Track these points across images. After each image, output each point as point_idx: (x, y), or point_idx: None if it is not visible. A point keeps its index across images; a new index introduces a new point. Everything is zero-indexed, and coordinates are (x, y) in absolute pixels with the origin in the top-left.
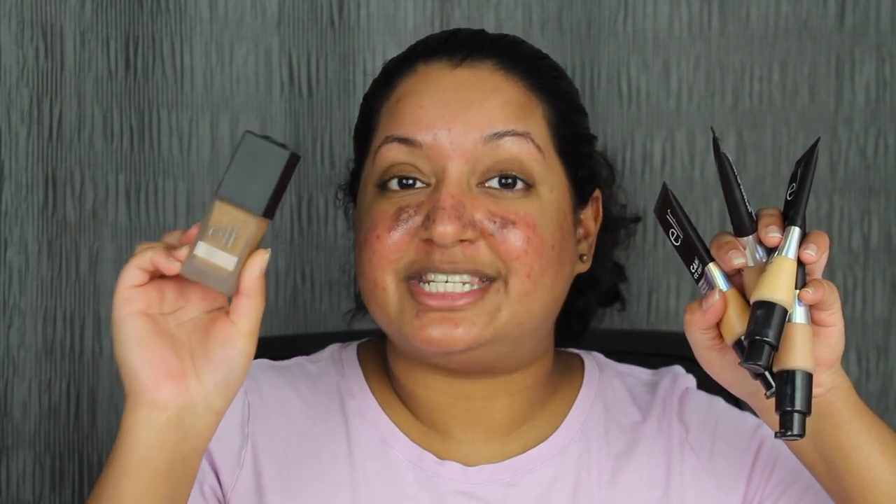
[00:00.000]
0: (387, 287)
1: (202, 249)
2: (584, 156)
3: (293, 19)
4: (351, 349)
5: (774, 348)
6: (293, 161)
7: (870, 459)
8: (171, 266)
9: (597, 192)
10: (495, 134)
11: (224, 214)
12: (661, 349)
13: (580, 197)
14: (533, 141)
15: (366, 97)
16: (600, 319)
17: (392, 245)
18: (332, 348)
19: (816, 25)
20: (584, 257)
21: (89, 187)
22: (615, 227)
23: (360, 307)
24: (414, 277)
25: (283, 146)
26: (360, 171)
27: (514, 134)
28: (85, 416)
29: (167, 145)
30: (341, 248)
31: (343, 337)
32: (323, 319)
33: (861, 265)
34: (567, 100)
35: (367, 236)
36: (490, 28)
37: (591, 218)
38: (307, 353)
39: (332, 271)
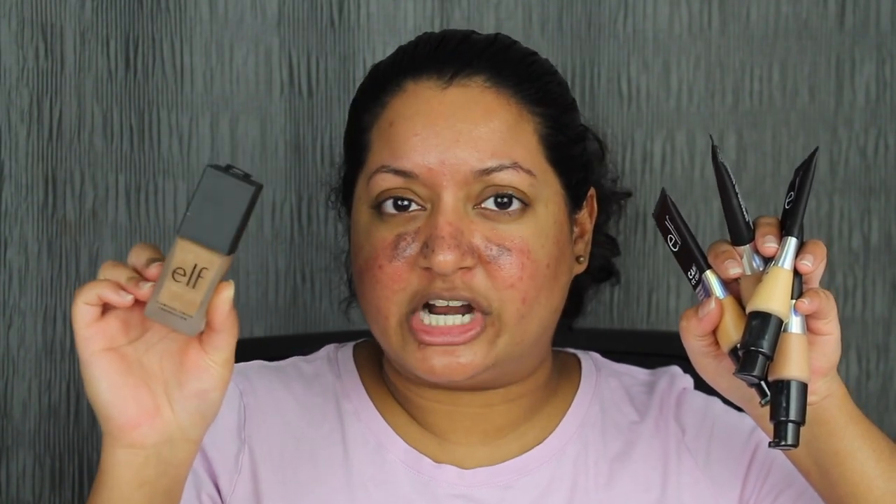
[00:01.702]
0: (390, 317)
1: (165, 291)
2: (576, 157)
3: (293, 19)
4: (347, 350)
5: (769, 359)
6: (257, 193)
7: (864, 466)
8: (122, 300)
9: (591, 191)
10: (484, 170)
11: (188, 254)
12: (661, 349)
13: (575, 202)
14: (522, 168)
15: (354, 106)
16: (600, 314)
17: (394, 275)
18: (328, 349)
19: (816, 25)
20: (581, 258)
21: (89, 187)
22: (607, 202)
23: (355, 295)
24: (416, 310)
25: (246, 177)
26: (353, 180)
27: (502, 168)
28: (85, 416)
29: (167, 145)
30: (341, 248)
31: (342, 337)
32: (323, 319)
33: (861, 265)
34: (559, 103)
35: (369, 264)
36: (490, 29)
37: (586, 217)
38: (306, 354)
39: (333, 271)
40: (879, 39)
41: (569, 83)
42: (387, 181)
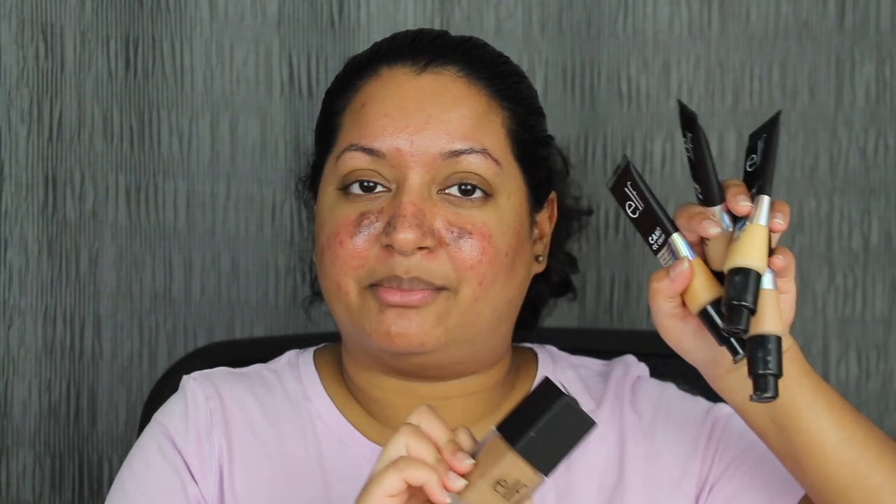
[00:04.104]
0: (350, 291)
1: (481, 497)
2: (541, 159)
3: (293, 19)
4: (307, 354)
5: (753, 312)
6: (593, 430)
7: (818, 417)
8: (443, 500)
9: (552, 195)
10: (453, 152)
11: (516, 469)
12: (661, 349)
13: (537, 200)
14: (490, 156)
15: (328, 93)
16: (600, 314)
17: (354, 251)
18: (289, 354)
19: (816, 25)
20: (540, 258)
21: (89, 187)
22: (568, 219)
23: (317, 294)
24: (375, 285)
25: (585, 414)
26: (321, 167)
27: (472, 152)
28: (85, 416)
29: (167, 145)
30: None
31: (336, 338)
32: (323, 319)
33: (861, 265)
34: (527, 104)
35: (330, 241)
36: (490, 28)
37: (546, 219)
38: None
39: None
40: (879, 39)
41: (569, 83)
42: (355, 160)
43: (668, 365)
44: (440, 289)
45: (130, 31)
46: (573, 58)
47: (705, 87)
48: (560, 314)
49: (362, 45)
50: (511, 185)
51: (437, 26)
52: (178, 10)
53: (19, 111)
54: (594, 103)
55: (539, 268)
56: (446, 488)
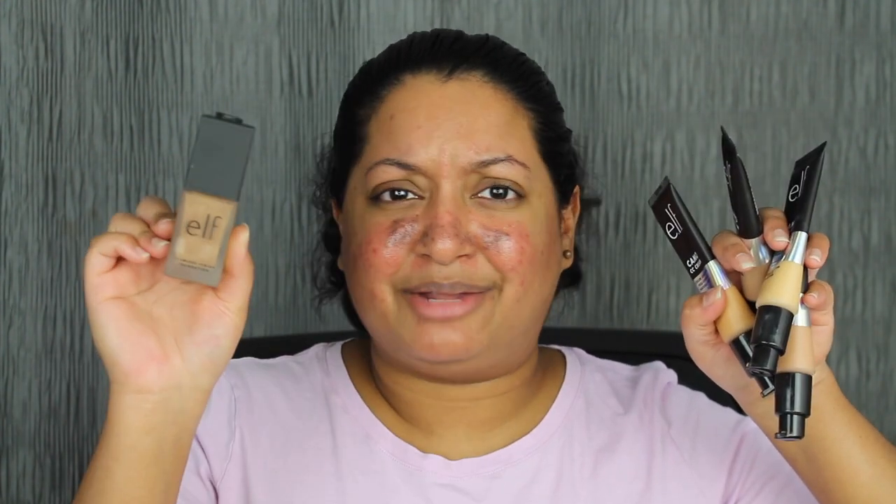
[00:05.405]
0: (385, 298)
1: (182, 247)
2: (564, 154)
3: (293, 19)
4: (335, 349)
5: (781, 353)
6: (253, 135)
7: (850, 452)
8: (138, 257)
9: (576, 189)
10: (481, 162)
11: (198, 206)
12: (661, 349)
13: (563, 196)
14: (516, 161)
15: (347, 100)
16: (600, 314)
17: (389, 258)
18: (317, 348)
19: (816, 25)
20: (567, 253)
21: (89, 187)
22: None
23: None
24: (412, 291)
25: (240, 121)
26: (346, 175)
27: (496, 161)
28: (85, 416)
29: (167, 145)
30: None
31: (341, 338)
32: (323, 319)
33: (861, 265)
34: (548, 102)
35: (363, 248)
36: (490, 28)
37: (570, 214)
38: None
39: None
40: (879, 39)
41: (569, 83)
42: (389, 173)
43: (668, 365)
44: (485, 289)
45: (130, 31)
46: (573, 58)
47: (705, 87)
48: (559, 315)
49: (362, 45)
50: (540, 185)
51: (437, 26)
52: (178, 10)
53: (19, 111)
54: (594, 103)
55: (567, 263)
56: (151, 254)
